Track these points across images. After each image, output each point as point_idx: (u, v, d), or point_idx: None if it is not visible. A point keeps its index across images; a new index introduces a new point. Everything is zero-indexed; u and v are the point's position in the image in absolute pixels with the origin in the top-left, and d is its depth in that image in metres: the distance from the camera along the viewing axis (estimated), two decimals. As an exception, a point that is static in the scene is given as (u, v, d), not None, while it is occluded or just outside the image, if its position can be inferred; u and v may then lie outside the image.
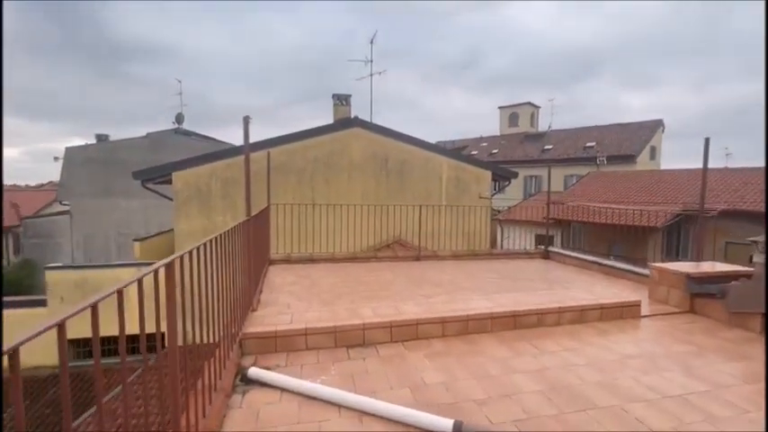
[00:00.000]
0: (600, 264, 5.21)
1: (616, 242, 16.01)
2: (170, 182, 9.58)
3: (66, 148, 18.38)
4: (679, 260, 15.08)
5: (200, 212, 9.62)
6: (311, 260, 5.48)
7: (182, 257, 1.69)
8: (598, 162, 25.18)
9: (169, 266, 1.58)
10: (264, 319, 2.82)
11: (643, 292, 4.01)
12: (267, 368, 2.38)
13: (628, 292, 3.86)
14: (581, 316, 3.20)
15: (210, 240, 2.10)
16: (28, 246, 21.10)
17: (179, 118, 20.23)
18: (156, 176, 9.85)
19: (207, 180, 9.69)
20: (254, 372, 2.27)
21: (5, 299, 10.40)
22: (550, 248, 6.15)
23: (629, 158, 25.53)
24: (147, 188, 10.02)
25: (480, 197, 11.61)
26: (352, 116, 11.01)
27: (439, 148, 11.85)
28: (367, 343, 2.76)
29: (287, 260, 5.42)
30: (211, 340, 2.10)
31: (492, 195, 12.22)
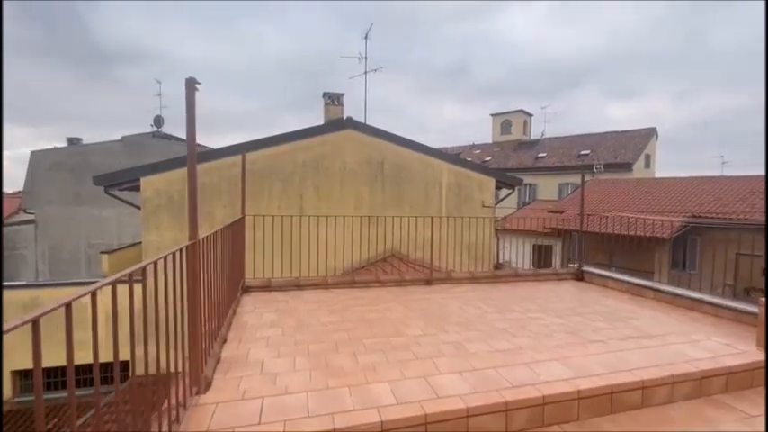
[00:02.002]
0: (656, 290, 4.22)
1: (615, 253, 15.28)
2: (139, 188, 8.40)
3: (32, 152, 16.91)
4: (686, 273, 14.37)
5: (171, 223, 8.44)
6: (297, 286, 4.35)
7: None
8: (595, 170, 24.66)
9: None
10: (215, 414, 1.70)
11: (738, 333, 3.02)
12: None
13: (729, 339, 2.82)
14: (700, 387, 2.16)
15: (116, 280, 1.02)
16: (-13, 257, 19.32)
17: (158, 121, 19.02)
18: (122, 182, 8.61)
19: (180, 186, 8.49)
20: None
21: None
22: (585, 268, 5.15)
23: (626, 166, 25.12)
24: (112, 195, 8.80)
25: (484, 206, 10.74)
26: (345, 117, 10.01)
27: (439, 153, 10.93)
28: (387, 453, 1.67)
29: (266, 287, 4.28)
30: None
31: (496, 204, 11.38)
